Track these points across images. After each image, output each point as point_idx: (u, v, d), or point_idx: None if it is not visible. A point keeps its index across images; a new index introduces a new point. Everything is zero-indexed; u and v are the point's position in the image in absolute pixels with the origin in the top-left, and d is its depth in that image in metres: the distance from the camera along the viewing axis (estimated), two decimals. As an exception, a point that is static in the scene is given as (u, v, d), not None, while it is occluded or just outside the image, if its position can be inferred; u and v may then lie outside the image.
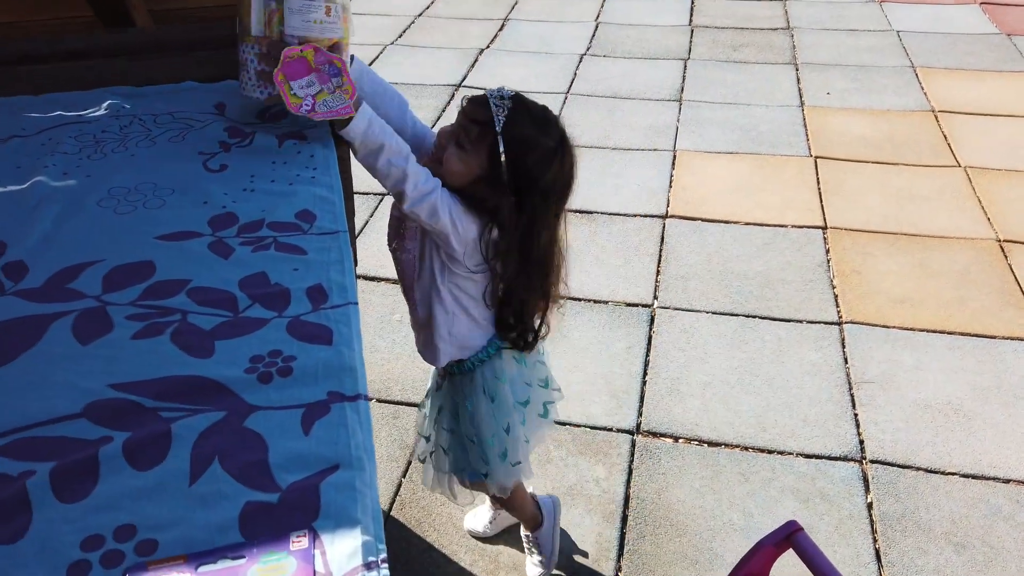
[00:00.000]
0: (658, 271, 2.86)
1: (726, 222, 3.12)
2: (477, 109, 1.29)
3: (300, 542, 0.74)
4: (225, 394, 0.91)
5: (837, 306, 2.67)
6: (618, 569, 1.87)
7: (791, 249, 2.96)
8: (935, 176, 3.40)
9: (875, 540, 1.93)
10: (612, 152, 3.63)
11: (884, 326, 2.58)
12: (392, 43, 4.86)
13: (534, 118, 1.29)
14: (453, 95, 4.18)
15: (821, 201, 3.24)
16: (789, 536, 1.41)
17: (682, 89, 4.20)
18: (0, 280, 1.07)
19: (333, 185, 1.31)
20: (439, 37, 4.92)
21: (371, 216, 3.21)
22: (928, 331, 2.56)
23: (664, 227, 3.10)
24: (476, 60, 4.59)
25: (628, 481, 2.09)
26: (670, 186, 3.36)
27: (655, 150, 3.64)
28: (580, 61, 4.56)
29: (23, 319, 1.01)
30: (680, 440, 2.20)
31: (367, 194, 3.35)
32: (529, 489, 1.86)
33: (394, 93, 1.46)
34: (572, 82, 4.31)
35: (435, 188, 1.28)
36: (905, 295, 2.71)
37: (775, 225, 3.09)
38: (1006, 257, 2.88)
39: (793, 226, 3.09)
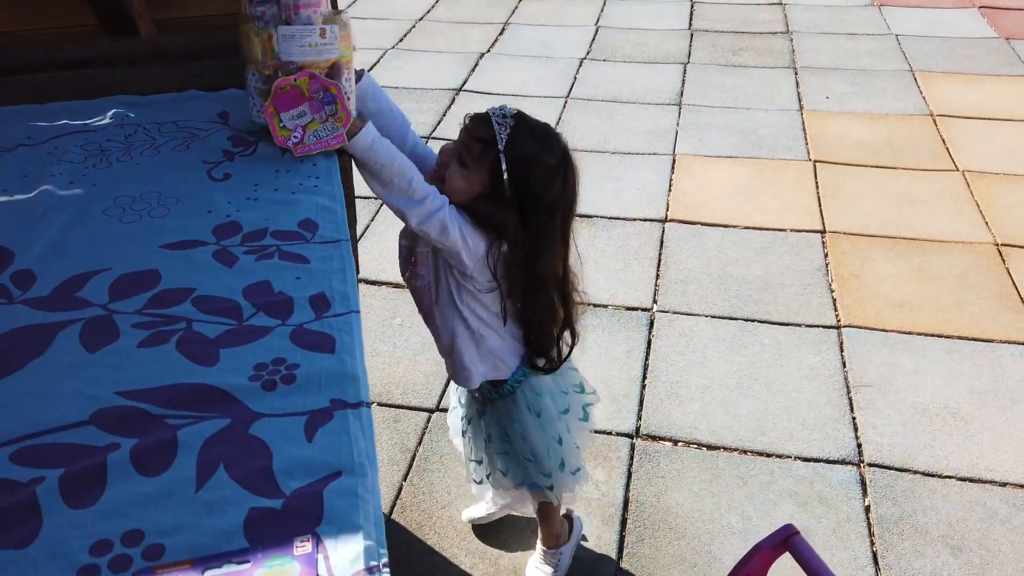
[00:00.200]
0: (657, 275, 2.88)
1: (725, 226, 3.14)
2: (479, 127, 1.31)
3: (303, 547, 0.76)
4: (230, 402, 0.92)
5: (835, 310, 2.69)
6: (617, 572, 1.89)
7: (790, 253, 2.97)
8: (933, 180, 3.41)
9: (872, 543, 1.94)
10: (612, 156, 3.65)
11: (882, 330, 2.60)
12: (393, 47, 4.88)
13: (536, 136, 1.31)
14: (454, 99, 4.20)
15: (820, 205, 3.26)
16: (786, 540, 1.43)
17: (682, 93, 4.22)
18: (8, 289, 1.09)
19: (335, 194, 1.33)
20: (440, 41, 4.94)
21: (372, 220, 3.24)
22: (926, 335, 2.57)
23: (664, 231, 3.12)
24: (476, 64, 4.61)
25: (627, 484, 2.10)
26: (669, 190, 3.38)
27: (655, 154, 3.66)
28: (580, 65, 4.58)
29: (31, 328, 1.03)
30: (679, 443, 2.22)
31: (368, 198, 3.36)
32: (564, 509, 1.87)
33: (398, 112, 1.48)
34: (572, 86, 4.33)
35: (443, 205, 1.30)
36: (903, 299, 2.73)
37: (774, 229, 3.11)
38: (1004, 261, 2.90)
39: (792, 230, 3.10)
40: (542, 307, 1.41)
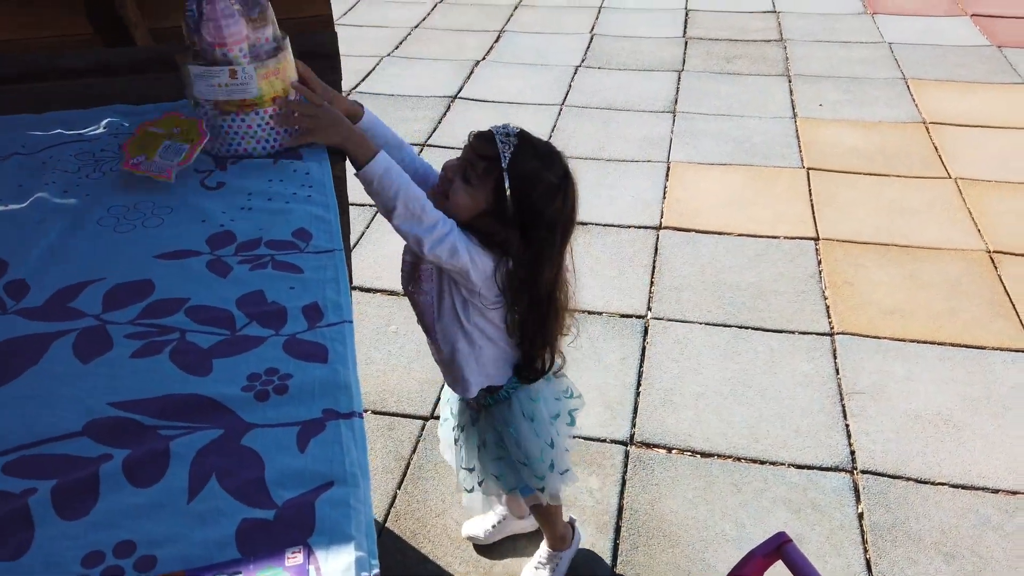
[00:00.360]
0: (652, 282, 2.89)
1: (719, 233, 3.15)
2: (483, 145, 1.33)
3: (295, 558, 0.76)
4: (223, 412, 0.93)
5: (829, 317, 2.70)
6: (611, 580, 1.89)
7: (783, 260, 2.99)
8: (926, 188, 3.43)
9: (866, 550, 1.95)
10: (607, 163, 3.66)
11: (875, 337, 2.61)
12: (388, 55, 4.89)
13: (539, 154, 1.33)
14: (449, 106, 4.21)
15: (813, 212, 3.27)
16: (778, 547, 1.44)
17: (676, 101, 4.24)
18: (2, 299, 1.10)
19: (329, 204, 1.34)
20: (435, 49, 4.96)
21: (367, 228, 3.24)
22: (919, 342, 2.59)
23: (658, 238, 3.13)
24: (472, 72, 4.63)
25: (622, 492, 2.11)
26: (664, 197, 3.39)
27: (649, 161, 3.67)
28: (575, 73, 4.60)
29: (25, 338, 1.03)
30: (673, 451, 2.22)
31: (362, 206, 3.37)
32: (567, 516, 1.92)
33: (396, 137, 1.53)
34: (567, 93, 4.34)
35: (452, 228, 1.31)
36: (896, 306, 2.74)
37: (768, 236, 3.12)
38: (996, 268, 2.91)
39: (785, 237, 3.12)
40: (542, 319, 1.44)
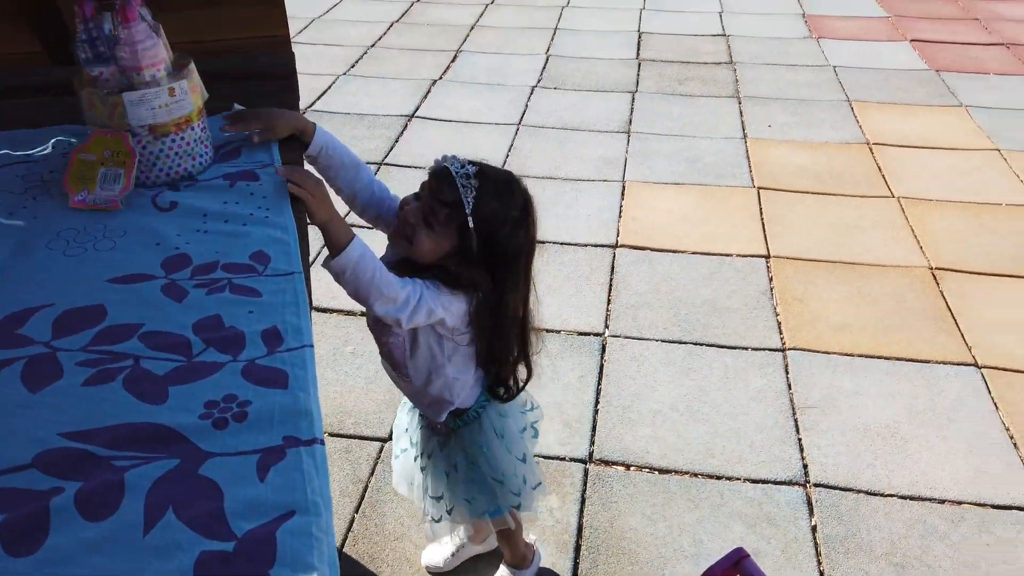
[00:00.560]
0: (609, 300, 2.92)
1: (674, 251, 3.20)
2: (444, 188, 1.31)
3: (256, 590, 0.75)
4: (179, 441, 0.91)
5: (780, 333, 2.77)
6: (573, 599, 1.90)
7: (736, 278, 3.05)
8: (871, 206, 3.55)
9: (819, 562, 1.99)
10: (563, 183, 3.70)
11: (825, 352, 2.68)
12: (344, 73, 4.88)
13: (499, 192, 1.33)
14: (406, 125, 4.21)
15: (764, 231, 3.35)
16: (737, 563, 1.46)
17: (630, 121, 4.32)
18: (-56, 326, 1.06)
19: (287, 226, 1.33)
20: (391, 68, 4.96)
21: (324, 246, 3.21)
22: (867, 356, 2.66)
23: (615, 256, 3.17)
24: (429, 91, 4.64)
25: (581, 510, 2.11)
26: (620, 216, 3.44)
27: (605, 181, 3.72)
28: (531, 93, 4.65)
29: (-31, 367, 1.00)
30: (632, 468, 2.24)
31: (320, 225, 3.34)
32: (528, 536, 1.91)
33: (353, 158, 1.52)
34: (524, 113, 4.38)
35: (421, 293, 1.30)
36: (844, 322, 2.82)
37: (721, 254, 3.19)
38: (938, 284, 3.02)
39: (738, 255, 3.19)
40: (508, 344, 1.46)
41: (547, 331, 2.74)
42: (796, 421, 2.40)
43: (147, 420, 0.93)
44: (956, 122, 4.35)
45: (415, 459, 1.67)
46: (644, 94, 4.66)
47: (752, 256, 3.18)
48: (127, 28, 1.30)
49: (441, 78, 4.83)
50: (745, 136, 4.17)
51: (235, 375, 1.01)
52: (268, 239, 1.28)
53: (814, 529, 2.07)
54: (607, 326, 2.79)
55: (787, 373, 2.59)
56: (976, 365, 2.63)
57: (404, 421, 1.71)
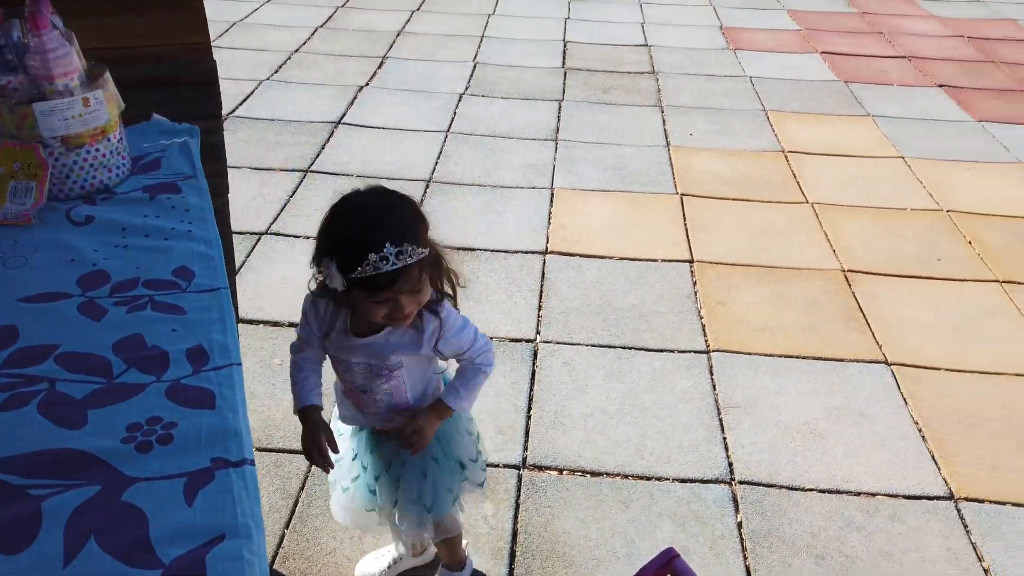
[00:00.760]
0: (540, 306, 2.95)
1: (602, 257, 3.26)
2: (400, 279, 1.26)
3: (186, 619, 0.73)
4: (100, 467, 0.88)
5: (705, 335, 2.85)
6: (509, 606, 1.91)
7: (662, 282, 3.13)
8: (786, 212, 3.70)
9: (745, 557, 2.06)
10: (493, 190, 3.72)
11: (747, 353, 2.78)
12: (267, 79, 4.78)
13: (416, 234, 1.29)
14: (332, 132, 4.16)
15: (687, 236, 3.45)
16: (667, 563, 1.50)
17: (557, 129, 4.38)
18: None
19: (211, 240, 1.30)
20: (316, 74, 4.89)
21: (248, 256, 3.14)
22: (786, 356, 2.78)
23: (544, 263, 3.21)
24: (355, 97, 4.59)
25: (516, 516, 2.13)
26: (549, 223, 3.48)
27: (534, 188, 3.76)
28: (459, 100, 4.66)
29: None
30: (564, 472, 2.27)
31: (243, 234, 3.27)
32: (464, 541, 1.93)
33: (469, 385, 1.56)
34: (452, 120, 4.39)
35: (482, 339, 1.49)
36: (764, 324, 2.93)
37: (647, 260, 3.27)
38: (850, 286, 3.18)
39: (663, 260, 3.27)
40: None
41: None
42: (721, 421, 2.48)
43: (65, 446, 0.90)
44: (863, 131, 4.58)
45: (375, 479, 1.64)
46: (570, 102, 4.73)
47: (677, 261, 3.27)
48: (38, 36, 1.25)
49: (368, 84, 4.78)
50: (668, 144, 4.29)
51: (159, 396, 0.98)
52: (192, 254, 1.25)
53: (740, 525, 2.15)
54: (538, 332, 2.82)
55: (712, 374, 2.67)
56: (886, 363, 2.77)
57: (350, 449, 1.67)
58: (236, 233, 3.22)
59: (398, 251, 1.22)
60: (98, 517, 0.82)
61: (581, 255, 3.27)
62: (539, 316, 2.90)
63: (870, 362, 2.77)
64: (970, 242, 3.52)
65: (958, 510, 2.22)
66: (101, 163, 1.38)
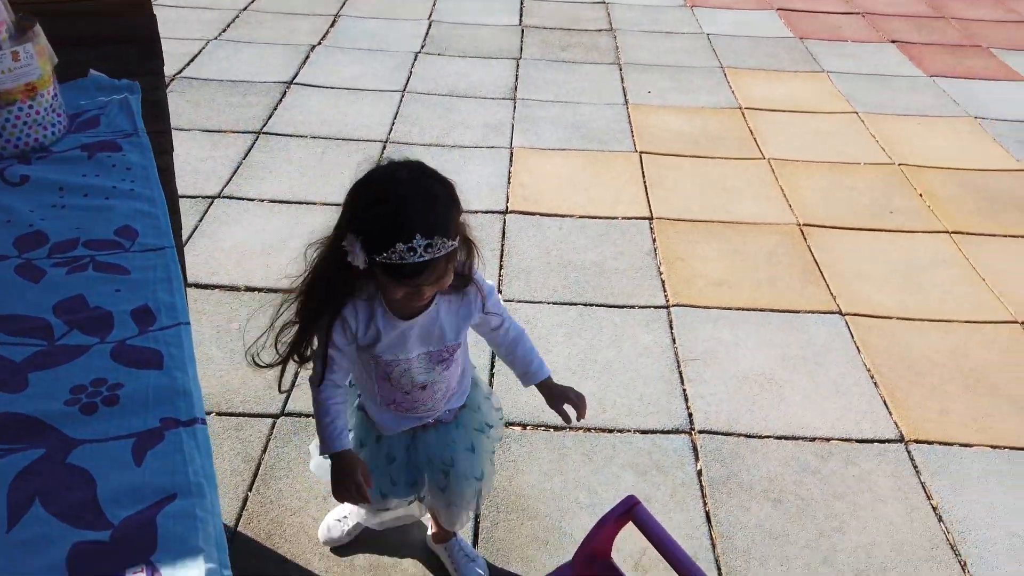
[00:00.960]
0: (501, 265, 2.94)
1: (562, 216, 3.26)
2: (428, 266, 1.22)
3: (137, 577, 0.72)
4: (44, 430, 0.85)
5: (664, 291, 2.88)
6: (474, 560, 1.93)
7: (622, 240, 3.14)
8: (744, 168, 3.73)
9: (705, 503, 2.11)
10: (451, 150, 3.67)
11: (706, 307, 2.81)
12: (216, 38, 4.62)
13: (447, 210, 1.24)
14: (285, 92, 4.05)
15: (647, 193, 3.46)
16: (628, 510, 1.53)
17: (515, 88, 4.32)
18: None
19: (155, 198, 1.26)
20: (266, 32, 4.74)
21: (201, 220, 3.06)
22: (743, 309, 2.82)
23: (505, 222, 3.19)
24: (307, 57, 4.47)
25: (480, 473, 2.14)
26: (508, 183, 3.46)
27: (492, 147, 3.72)
28: (415, 59, 4.56)
29: None
30: (528, 427, 2.29)
31: (195, 197, 3.18)
32: None
33: (525, 353, 1.62)
34: (408, 80, 4.30)
35: (507, 318, 1.53)
36: (722, 278, 2.97)
37: (607, 217, 3.27)
38: (805, 239, 3.23)
39: (623, 218, 3.28)
40: None
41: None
42: (681, 373, 2.52)
43: (6, 410, 0.87)
44: (819, 87, 4.61)
45: (427, 477, 1.64)
46: (528, 60, 4.67)
47: (636, 218, 3.28)
48: None
49: (320, 43, 4.66)
50: (627, 102, 4.27)
51: (104, 357, 0.95)
52: (134, 213, 1.21)
53: (699, 473, 2.19)
54: (500, 291, 2.81)
55: (671, 329, 2.71)
56: (840, 313, 2.83)
57: (383, 459, 1.62)
58: (188, 197, 3.14)
59: (427, 244, 1.17)
60: (43, 480, 0.80)
61: (541, 214, 3.26)
62: (500, 275, 2.89)
63: (825, 313, 2.83)
64: (921, 194, 3.59)
65: (908, 452, 2.30)
66: (35, 120, 1.32)
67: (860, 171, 3.77)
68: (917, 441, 2.34)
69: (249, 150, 3.57)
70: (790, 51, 5.08)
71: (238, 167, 3.44)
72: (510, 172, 3.54)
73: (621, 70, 4.64)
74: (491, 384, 2.42)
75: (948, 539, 2.06)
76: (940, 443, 2.34)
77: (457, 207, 1.27)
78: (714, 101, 4.35)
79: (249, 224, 3.07)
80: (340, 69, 4.36)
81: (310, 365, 1.43)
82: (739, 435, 2.32)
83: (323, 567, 1.88)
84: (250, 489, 2.05)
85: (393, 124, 3.86)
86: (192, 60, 4.32)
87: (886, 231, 3.32)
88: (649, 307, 2.80)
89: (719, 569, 1.94)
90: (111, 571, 0.72)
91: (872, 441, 2.33)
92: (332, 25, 4.93)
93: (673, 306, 2.81)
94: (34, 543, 0.74)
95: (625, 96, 4.33)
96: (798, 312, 2.83)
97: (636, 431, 2.31)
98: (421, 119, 3.92)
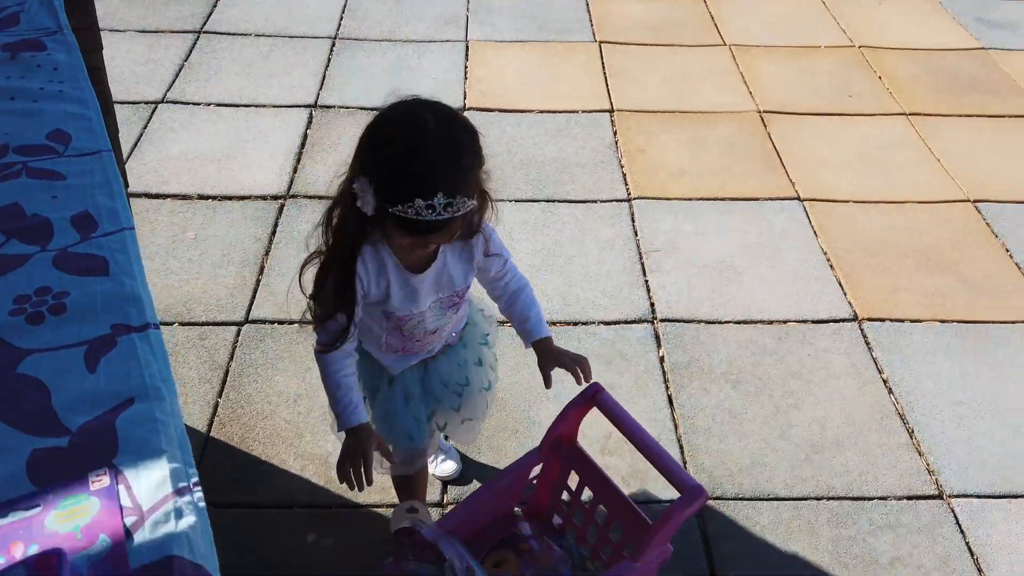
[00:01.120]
0: (460, 164, 2.89)
1: (522, 111, 3.18)
2: (444, 224, 1.16)
3: (100, 481, 0.72)
4: (-10, 341, 0.83)
5: (626, 184, 2.87)
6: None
7: (583, 134, 3.10)
8: (704, 55, 3.65)
9: (667, 388, 2.18)
10: (404, 45, 3.53)
11: (667, 199, 2.82)
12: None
13: (472, 164, 1.18)
14: (216, 3, 3.81)
15: (607, 85, 3.39)
16: (592, 396, 1.57)
17: (469, -25, 4.11)
18: None
19: (87, 100, 1.19)
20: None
21: (146, 127, 2.93)
22: (703, 199, 2.83)
23: (462, 120, 3.11)
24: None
25: (448, 370, 2.18)
26: (465, 78, 3.35)
27: (447, 41, 3.58)
28: (360, -54, 4.29)
29: None
30: (496, 324, 2.31)
31: (137, 103, 3.04)
32: None
33: (524, 306, 1.55)
34: (354, -30, 4.07)
35: (509, 263, 1.50)
36: (683, 168, 2.96)
37: (567, 111, 3.20)
38: (766, 127, 3.21)
39: (583, 111, 3.22)
40: None
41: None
42: (643, 265, 2.55)
43: (-53, 324, 0.85)
44: (782, -34, 4.47)
45: (438, 399, 1.60)
46: (481, -55, 4.43)
47: (596, 111, 3.22)
48: None
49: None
50: (585, -12, 4.10)
51: (46, 266, 0.92)
52: (66, 116, 1.15)
53: (662, 360, 2.26)
54: (460, 190, 2.77)
55: (633, 221, 2.71)
56: (799, 199, 2.86)
57: (400, 400, 1.56)
58: (129, 103, 3.00)
59: (448, 203, 1.11)
60: (-6, 391, 0.79)
61: (500, 110, 3.18)
62: (460, 174, 2.84)
63: (784, 199, 2.85)
64: (880, 77, 3.57)
65: (861, 330, 2.38)
66: None
67: (820, 54, 3.71)
68: (870, 319, 2.42)
69: (190, 51, 3.39)
70: (752, -71, 4.88)
71: (180, 70, 3.27)
72: (466, 67, 3.42)
73: (578, -46, 4.43)
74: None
75: (897, 409, 2.16)
76: (892, 320, 2.42)
77: (480, 160, 1.21)
78: (675, -15, 4.20)
79: (197, 130, 2.96)
80: (280, -40, 4.09)
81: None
82: (700, 322, 2.38)
83: (298, 466, 1.93)
84: (219, 396, 2.06)
85: (341, 19, 3.68)
86: (120, -46, 4.02)
87: (845, 115, 3.31)
88: (611, 201, 2.79)
89: (681, 448, 2.03)
90: (73, 475, 0.73)
91: (827, 321, 2.41)
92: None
93: (635, 199, 2.80)
94: (-9, 453, 0.74)
95: (583, -18, 4.15)
96: (758, 200, 2.85)
97: (600, 323, 2.35)
98: (370, 13, 3.74)
